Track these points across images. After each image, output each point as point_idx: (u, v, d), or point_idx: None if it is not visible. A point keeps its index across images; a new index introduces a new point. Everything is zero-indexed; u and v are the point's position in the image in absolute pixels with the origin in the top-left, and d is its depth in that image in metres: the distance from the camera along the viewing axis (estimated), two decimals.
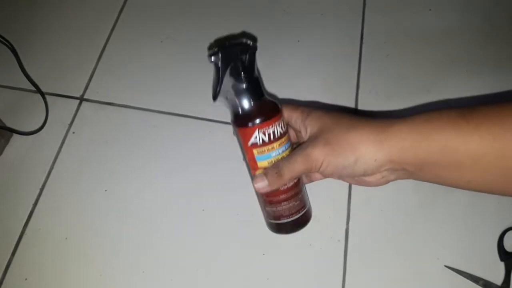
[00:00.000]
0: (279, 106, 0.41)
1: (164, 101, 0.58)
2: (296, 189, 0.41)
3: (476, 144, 0.32)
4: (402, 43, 0.63)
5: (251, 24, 0.64)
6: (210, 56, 0.38)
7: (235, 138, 0.43)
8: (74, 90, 0.59)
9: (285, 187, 0.40)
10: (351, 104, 0.58)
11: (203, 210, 0.52)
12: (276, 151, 0.39)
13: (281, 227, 0.43)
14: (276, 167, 0.39)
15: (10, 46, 0.60)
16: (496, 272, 0.48)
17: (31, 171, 0.54)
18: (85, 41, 0.63)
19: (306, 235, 0.45)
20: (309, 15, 0.65)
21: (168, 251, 0.49)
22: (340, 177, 0.43)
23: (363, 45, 0.62)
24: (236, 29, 0.63)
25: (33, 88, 0.58)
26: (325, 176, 0.42)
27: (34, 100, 0.58)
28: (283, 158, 0.40)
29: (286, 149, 0.40)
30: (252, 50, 0.39)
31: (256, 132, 0.39)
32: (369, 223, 0.51)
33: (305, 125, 0.40)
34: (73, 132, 0.56)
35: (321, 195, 0.50)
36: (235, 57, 0.38)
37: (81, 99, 0.59)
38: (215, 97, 0.39)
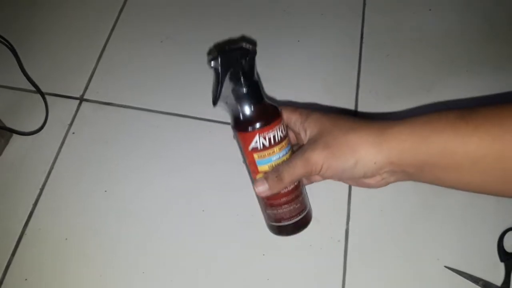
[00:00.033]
0: (279, 110, 0.41)
1: (164, 101, 0.58)
2: (297, 192, 0.42)
3: (475, 145, 0.32)
4: (402, 43, 0.63)
5: (251, 25, 0.64)
6: (209, 61, 0.38)
7: (232, 131, 0.43)
8: (74, 90, 0.59)
9: (286, 190, 0.40)
10: (351, 104, 0.58)
11: (203, 210, 0.52)
12: (277, 155, 0.39)
13: (282, 229, 0.43)
14: (276, 171, 0.39)
15: (10, 46, 0.60)
16: (496, 272, 0.48)
17: (31, 171, 0.54)
18: (85, 41, 0.63)
19: (306, 235, 0.45)
20: (309, 15, 0.65)
21: (168, 251, 0.49)
22: (340, 179, 0.43)
23: (363, 45, 0.62)
24: (236, 29, 0.63)
25: (33, 88, 0.58)
26: (325, 178, 0.42)
27: (34, 100, 0.58)
28: (283, 162, 0.40)
29: (286, 153, 0.40)
30: (251, 55, 0.39)
31: (257, 137, 0.39)
32: (369, 223, 0.51)
33: (304, 127, 0.40)
34: (73, 132, 0.56)
35: (321, 196, 0.50)
36: (234, 62, 0.38)
37: (81, 99, 0.59)
38: (215, 102, 0.39)
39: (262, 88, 0.40)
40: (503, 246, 0.49)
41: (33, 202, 0.52)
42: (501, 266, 0.48)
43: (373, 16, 0.65)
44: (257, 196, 0.42)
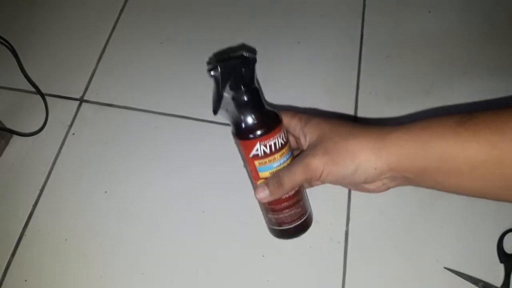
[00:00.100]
0: (280, 117, 0.41)
1: (164, 102, 0.58)
2: (298, 197, 0.42)
3: (474, 151, 0.32)
4: (402, 44, 0.63)
5: (251, 26, 0.64)
6: (209, 70, 0.38)
7: (233, 138, 0.43)
8: (74, 91, 0.59)
9: (287, 195, 0.41)
10: (351, 105, 0.58)
11: (203, 211, 0.52)
12: (278, 162, 0.40)
13: (283, 233, 0.44)
14: (276, 177, 0.39)
15: (10, 47, 0.60)
16: (495, 273, 0.48)
17: (31, 172, 0.54)
18: (85, 42, 0.63)
19: (306, 236, 0.45)
20: (309, 16, 0.65)
21: (168, 252, 0.49)
22: (340, 184, 0.43)
23: (363, 46, 0.62)
24: (236, 30, 0.63)
25: (33, 89, 0.58)
26: (326, 183, 0.42)
27: (34, 101, 0.58)
28: (283, 168, 0.40)
29: (287, 159, 0.40)
30: (251, 63, 0.39)
31: (257, 145, 0.39)
32: (369, 224, 0.51)
33: (304, 133, 0.40)
34: (73, 133, 0.56)
35: (321, 197, 0.49)
36: (234, 70, 0.38)
37: (81, 100, 0.59)
38: (215, 111, 0.39)
39: (263, 95, 0.40)
40: (502, 248, 0.49)
41: (33, 203, 0.52)
42: (501, 267, 0.48)
43: (373, 17, 0.65)
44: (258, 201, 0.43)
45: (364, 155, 0.36)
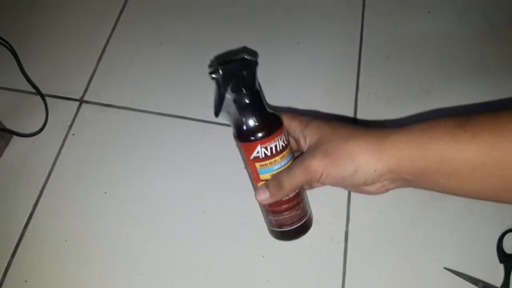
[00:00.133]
0: (281, 119, 0.41)
1: (164, 103, 0.58)
2: (298, 199, 0.42)
3: (473, 153, 0.32)
4: (401, 45, 0.63)
5: (251, 26, 0.64)
6: (211, 73, 0.38)
7: (234, 140, 0.43)
8: (74, 92, 0.59)
9: (287, 197, 0.41)
10: (351, 106, 0.58)
11: (202, 212, 0.52)
12: (278, 164, 0.40)
13: (283, 235, 0.44)
14: (276, 179, 0.39)
15: (10, 48, 0.60)
16: (495, 274, 0.48)
17: (31, 173, 0.54)
18: (85, 43, 0.63)
19: (306, 237, 0.45)
20: (309, 17, 0.65)
21: (168, 253, 0.49)
22: (340, 186, 0.43)
23: (363, 47, 0.63)
24: (236, 31, 0.63)
25: (33, 90, 0.58)
26: (326, 185, 0.42)
27: (34, 102, 0.58)
28: (283, 170, 0.40)
29: (288, 161, 0.40)
30: (252, 66, 0.39)
31: (258, 147, 0.39)
32: (368, 225, 0.51)
33: (304, 135, 0.40)
34: (73, 134, 0.56)
35: (321, 197, 0.50)
36: (236, 73, 0.38)
37: (81, 101, 0.59)
38: (216, 113, 0.40)
39: (264, 98, 0.40)
40: (502, 248, 0.49)
41: (33, 203, 0.52)
42: (501, 267, 0.49)
43: (373, 18, 0.65)
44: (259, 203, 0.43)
45: (364, 157, 0.36)
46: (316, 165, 0.37)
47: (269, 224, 0.44)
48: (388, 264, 0.49)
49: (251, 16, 0.65)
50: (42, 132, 0.56)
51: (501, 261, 0.49)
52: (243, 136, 0.39)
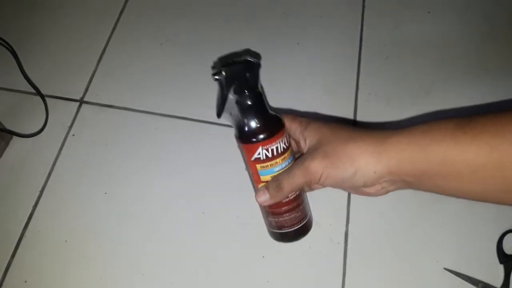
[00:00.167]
0: (283, 121, 0.41)
1: (164, 103, 0.58)
2: (298, 201, 0.42)
3: (474, 154, 0.32)
4: (401, 44, 0.63)
5: (251, 27, 0.64)
6: (214, 74, 0.39)
7: (235, 141, 0.43)
8: (74, 93, 0.59)
9: (287, 199, 0.41)
10: (351, 106, 0.58)
11: (203, 212, 0.52)
12: (279, 166, 0.40)
13: (282, 236, 0.44)
14: (276, 180, 0.40)
15: (10, 48, 0.60)
16: (495, 274, 0.48)
17: (31, 174, 0.54)
18: (85, 43, 0.63)
19: (306, 238, 0.45)
20: (309, 17, 0.65)
21: (168, 253, 0.49)
22: (340, 188, 0.43)
23: (363, 47, 0.63)
24: (236, 31, 0.63)
25: (33, 91, 0.58)
26: (326, 186, 0.42)
27: (34, 103, 0.58)
28: (283, 171, 0.40)
29: (289, 163, 0.41)
30: (255, 68, 0.39)
31: (259, 149, 0.39)
32: (368, 225, 0.51)
33: (304, 136, 0.41)
34: (73, 135, 0.56)
35: (321, 198, 0.49)
36: (239, 75, 0.38)
37: (81, 101, 0.59)
38: (219, 115, 0.40)
39: (266, 99, 0.40)
40: (502, 248, 0.49)
41: (33, 204, 0.52)
42: (501, 268, 0.49)
43: (373, 18, 0.65)
44: (259, 204, 0.43)
45: (364, 159, 0.36)
46: (316, 166, 0.37)
47: (269, 225, 0.44)
48: (388, 265, 0.49)
49: (251, 17, 0.65)
50: (42, 132, 0.56)
51: (501, 262, 0.49)
52: (245, 138, 0.40)
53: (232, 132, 0.42)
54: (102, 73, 0.61)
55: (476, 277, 0.48)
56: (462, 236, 0.50)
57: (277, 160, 0.40)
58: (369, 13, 0.65)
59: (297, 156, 0.42)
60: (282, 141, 0.40)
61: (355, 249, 0.50)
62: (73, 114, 0.58)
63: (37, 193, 0.53)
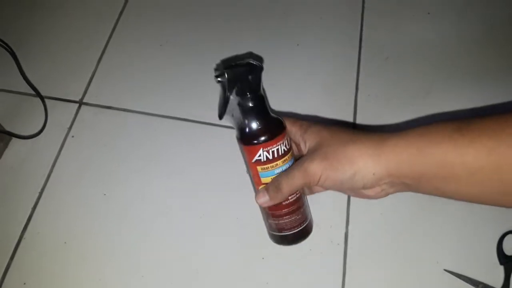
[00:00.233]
0: (284, 124, 0.41)
1: (164, 104, 0.58)
2: (298, 203, 0.42)
3: (472, 157, 0.32)
4: (401, 45, 0.63)
5: (251, 27, 0.64)
6: (216, 76, 0.39)
7: (235, 142, 0.43)
8: (73, 94, 0.59)
9: (288, 201, 0.41)
10: (350, 107, 0.58)
11: (202, 214, 0.52)
12: (280, 168, 0.40)
13: (282, 239, 0.44)
14: (275, 182, 0.40)
15: (9, 50, 0.60)
16: (495, 275, 0.48)
17: (30, 175, 0.54)
18: (85, 44, 0.63)
19: (306, 239, 0.45)
20: (309, 18, 0.65)
21: (167, 254, 0.49)
22: (340, 190, 0.43)
23: (362, 48, 0.62)
24: (236, 32, 0.63)
25: (33, 92, 0.58)
26: (325, 189, 0.42)
27: (34, 104, 0.58)
28: (282, 173, 0.40)
29: (289, 166, 0.41)
30: (258, 70, 0.39)
31: (260, 151, 0.39)
32: (368, 226, 0.51)
33: (304, 139, 0.41)
34: (72, 136, 0.56)
35: (321, 199, 0.49)
36: (241, 77, 0.39)
37: (81, 102, 0.59)
38: (221, 116, 0.40)
39: (268, 102, 0.41)
40: (502, 249, 0.49)
41: (32, 205, 0.52)
42: (501, 269, 0.48)
43: (372, 19, 0.65)
44: (260, 206, 0.43)
45: (363, 161, 0.36)
46: (315, 168, 0.37)
47: (269, 228, 0.44)
48: (388, 266, 0.49)
49: (251, 17, 0.65)
50: (41, 134, 0.56)
51: (501, 263, 0.49)
52: (246, 139, 0.40)
53: (231, 133, 0.42)
54: (102, 74, 0.61)
55: (476, 278, 0.48)
56: (462, 237, 0.50)
57: (278, 162, 0.40)
58: (369, 13, 0.65)
59: (297, 159, 0.42)
60: (283, 144, 0.40)
61: (355, 250, 0.50)
62: (73, 116, 0.57)
63: (36, 195, 0.52)
